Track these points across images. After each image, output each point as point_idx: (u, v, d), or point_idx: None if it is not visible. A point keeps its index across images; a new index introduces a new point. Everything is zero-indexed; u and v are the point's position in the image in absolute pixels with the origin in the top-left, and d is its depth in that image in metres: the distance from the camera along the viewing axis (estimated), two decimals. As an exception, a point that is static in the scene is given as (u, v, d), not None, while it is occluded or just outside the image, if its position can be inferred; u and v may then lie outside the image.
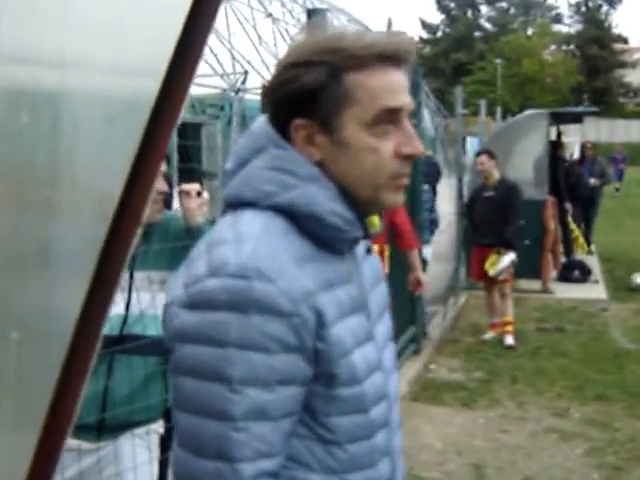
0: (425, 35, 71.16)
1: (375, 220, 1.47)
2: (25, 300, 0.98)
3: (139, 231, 1.03)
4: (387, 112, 1.32)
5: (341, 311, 1.33)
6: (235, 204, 1.36)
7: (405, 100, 1.34)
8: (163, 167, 2.71)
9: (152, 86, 0.98)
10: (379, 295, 1.54)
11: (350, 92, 1.31)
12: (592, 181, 13.50)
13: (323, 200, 1.32)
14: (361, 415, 1.37)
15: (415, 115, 6.83)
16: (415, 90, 6.92)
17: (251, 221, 1.32)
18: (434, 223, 8.33)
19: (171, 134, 1.04)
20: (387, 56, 1.32)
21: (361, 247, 1.49)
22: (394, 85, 1.33)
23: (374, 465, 1.41)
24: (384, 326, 1.53)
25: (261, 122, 1.39)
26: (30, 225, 0.89)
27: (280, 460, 1.28)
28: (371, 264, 1.55)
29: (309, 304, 1.26)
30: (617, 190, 27.76)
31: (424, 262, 7.93)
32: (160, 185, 2.67)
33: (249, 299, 1.21)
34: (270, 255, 1.26)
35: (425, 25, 70.34)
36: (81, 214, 0.97)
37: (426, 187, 8.11)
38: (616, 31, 68.93)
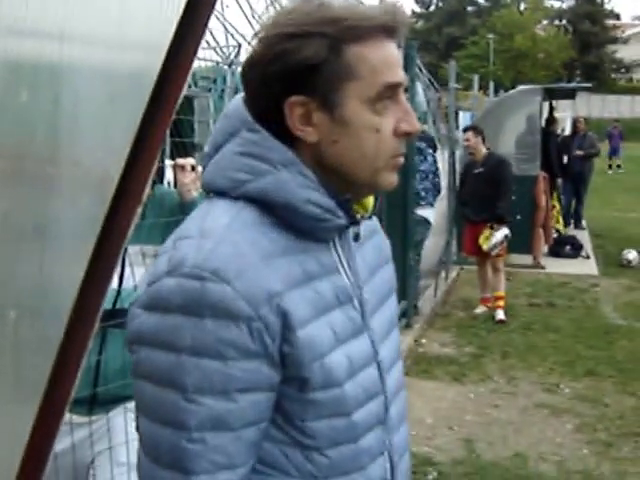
0: (418, 9, 70.91)
1: (368, 203, 1.38)
2: (23, 278, 0.96)
3: (139, 211, 1.00)
4: (387, 88, 1.23)
5: (318, 307, 1.23)
6: (210, 192, 1.29)
7: (402, 75, 1.26)
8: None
9: (154, 61, 0.95)
10: (382, 279, 1.45)
11: (352, 66, 1.21)
12: (577, 152, 13.46)
13: (296, 188, 1.22)
14: (342, 418, 1.27)
15: (409, 89, 6.79)
16: (408, 64, 6.89)
17: (220, 213, 1.23)
18: (436, 187, 8.26)
19: (172, 113, 1.01)
20: (387, 28, 1.23)
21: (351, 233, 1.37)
22: (393, 59, 1.25)
23: (362, 468, 1.31)
24: (384, 314, 1.42)
25: (236, 103, 1.28)
26: (29, 202, 0.87)
27: (245, 471, 1.20)
28: (375, 245, 1.47)
29: (272, 306, 1.16)
30: (619, 167, 27.73)
31: (427, 223, 7.95)
32: None
33: (202, 302, 1.13)
34: (231, 253, 1.16)
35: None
36: (81, 193, 0.95)
37: (430, 151, 8.08)
38: (608, 7, 68.99)
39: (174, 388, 1.14)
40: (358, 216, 1.32)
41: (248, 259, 1.16)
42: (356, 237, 1.36)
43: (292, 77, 1.20)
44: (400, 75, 1.25)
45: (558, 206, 12.62)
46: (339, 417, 1.26)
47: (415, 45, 7.67)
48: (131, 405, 2.72)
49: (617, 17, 72.66)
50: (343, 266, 1.33)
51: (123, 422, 2.68)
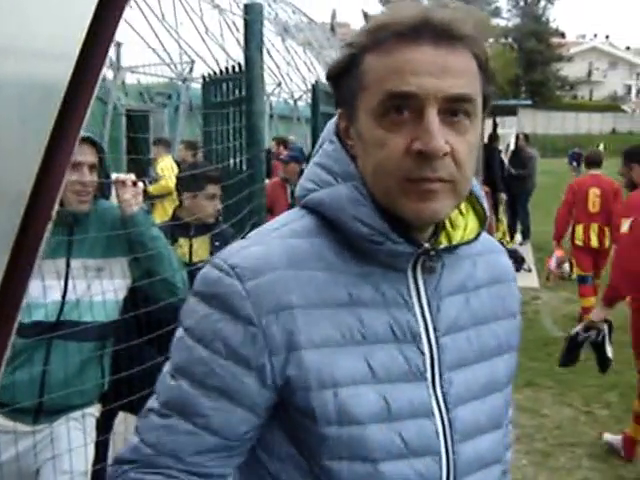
0: (367, 24, 71.35)
1: (455, 234, 1.21)
2: None
3: (49, 226, 1.02)
4: (393, 97, 1.07)
5: (354, 335, 1.12)
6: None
7: (427, 84, 1.05)
8: (93, 158, 2.73)
9: (63, 72, 0.94)
10: (490, 332, 1.26)
11: (361, 76, 1.11)
12: (512, 170, 13.66)
13: (347, 202, 1.13)
14: (365, 464, 1.12)
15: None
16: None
17: (280, 219, 1.21)
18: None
19: (82, 126, 1.00)
20: (408, 31, 1.07)
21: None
22: (406, 65, 1.06)
23: None
24: (479, 372, 1.23)
25: (335, 117, 1.24)
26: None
27: (184, 468, 1.14)
28: (496, 294, 1.30)
29: (280, 318, 1.09)
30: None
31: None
32: (86, 176, 2.70)
33: (215, 292, 1.12)
34: (258, 254, 1.13)
35: (367, 17, 70.48)
36: None
37: None
38: (553, 25, 70.16)
39: (170, 361, 1.17)
40: (426, 245, 1.16)
41: (272, 263, 1.12)
42: (430, 269, 1.18)
43: (334, 89, 1.19)
44: (416, 84, 1.06)
45: (505, 220, 12.84)
46: (361, 462, 1.12)
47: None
48: (75, 414, 2.76)
49: (562, 35, 74.05)
50: (420, 302, 1.18)
51: (67, 431, 2.72)
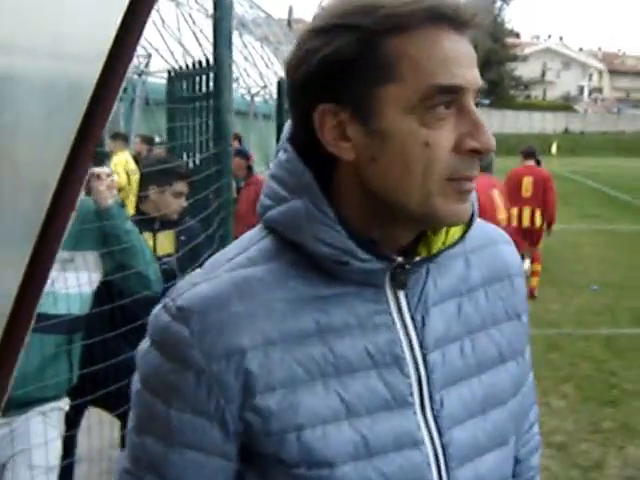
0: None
1: (437, 241, 1.06)
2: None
3: (73, 216, 1.07)
4: (441, 92, 0.95)
5: (324, 368, 1.00)
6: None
7: (468, 76, 0.96)
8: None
9: (91, 74, 0.99)
10: (489, 339, 1.12)
11: (390, 65, 0.95)
12: None
13: (304, 221, 1.00)
14: None
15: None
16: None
17: (236, 245, 1.09)
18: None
19: (105, 125, 1.06)
20: (441, 15, 0.95)
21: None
22: (449, 55, 0.95)
23: None
24: (480, 383, 1.10)
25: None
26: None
27: None
28: (497, 294, 1.15)
29: (231, 363, 0.98)
30: None
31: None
32: None
33: (163, 339, 1.01)
34: (205, 293, 1.01)
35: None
36: (20, 202, 1.02)
37: None
38: (509, 26, 71.02)
39: (132, 414, 1.07)
40: (398, 259, 1.03)
41: (220, 302, 1.00)
42: (402, 285, 1.05)
43: (320, 81, 0.98)
44: (462, 76, 0.96)
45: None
46: None
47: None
48: (43, 408, 2.75)
49: (517, 36, 75.02)
50: (403, 318, 1.05)
51: (33, 425, 2.71)
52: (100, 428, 3.22)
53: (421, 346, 1.05)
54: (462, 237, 1.07)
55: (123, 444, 3.52)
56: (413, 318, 1.05)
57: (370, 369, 1.02)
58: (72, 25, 0.95)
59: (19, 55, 0.91)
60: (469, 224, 1.07)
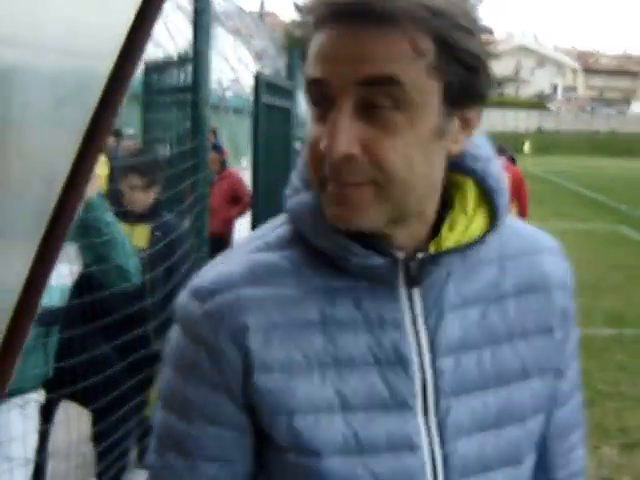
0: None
1: (445, 239, 1.01)
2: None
3: (82, 205, 1.08)
4: (311, 85, 0.94)
5: (322, 358, 0.99)
6: None
7: (336, 70, 0.91)
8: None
9: (103, 68, 1.00)
10: (514, 351, 1.06)
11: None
12: None
13: (308, 213, 1.01)
14: None
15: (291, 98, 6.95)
16: (292, 74, 7.05)
17: (258, 230, 1.11)
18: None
19: (116, 117, 1.07)
20: (336, 13, 0.91)
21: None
22: (322, 50, 0.92)
23: None
24: (494, 398, 1.04)
25: None
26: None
27: None
28: (530, 306, 1.08)
29: (236, 340, 0.99)
30: None
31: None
32: None
33: (180, 317, 1.05)
34: (219, 273, 1.04)
35: (297, 8, 70.40)
36: (29, 191, 1.03)
37: None
38: (482, 23, 71.21)
39: (158, 395, 1.11)
40: (400, 254, 0.99)
41: (232, 282, 1.02)
42: (411, 282, 1.01)
43: None
44: (323, 70, 0.92)
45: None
46: None
47: (298, 53, 7.81)
48: (18, 400, 2.74)
49: (490, 32, 75.20)
50: (414, 319, 1.02)
51: (18, 417, 2.71)
52: (70, 422, 3.19)
53: (431, 350, 1.01)
54: (482, 238, 1.01)
55: (95, 439, 3.52)
56: (426, 320, 1.02)
57: (371, 366, 1.00)
58: (84, 18, 0.96)
59: (29, 48, 0.92)
60: (491, 228, 1.02)
